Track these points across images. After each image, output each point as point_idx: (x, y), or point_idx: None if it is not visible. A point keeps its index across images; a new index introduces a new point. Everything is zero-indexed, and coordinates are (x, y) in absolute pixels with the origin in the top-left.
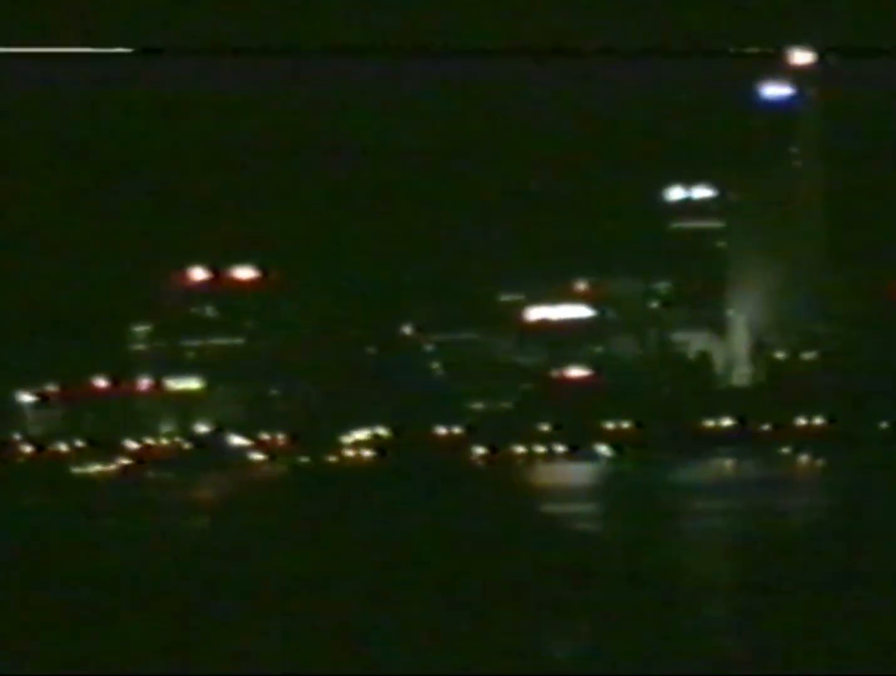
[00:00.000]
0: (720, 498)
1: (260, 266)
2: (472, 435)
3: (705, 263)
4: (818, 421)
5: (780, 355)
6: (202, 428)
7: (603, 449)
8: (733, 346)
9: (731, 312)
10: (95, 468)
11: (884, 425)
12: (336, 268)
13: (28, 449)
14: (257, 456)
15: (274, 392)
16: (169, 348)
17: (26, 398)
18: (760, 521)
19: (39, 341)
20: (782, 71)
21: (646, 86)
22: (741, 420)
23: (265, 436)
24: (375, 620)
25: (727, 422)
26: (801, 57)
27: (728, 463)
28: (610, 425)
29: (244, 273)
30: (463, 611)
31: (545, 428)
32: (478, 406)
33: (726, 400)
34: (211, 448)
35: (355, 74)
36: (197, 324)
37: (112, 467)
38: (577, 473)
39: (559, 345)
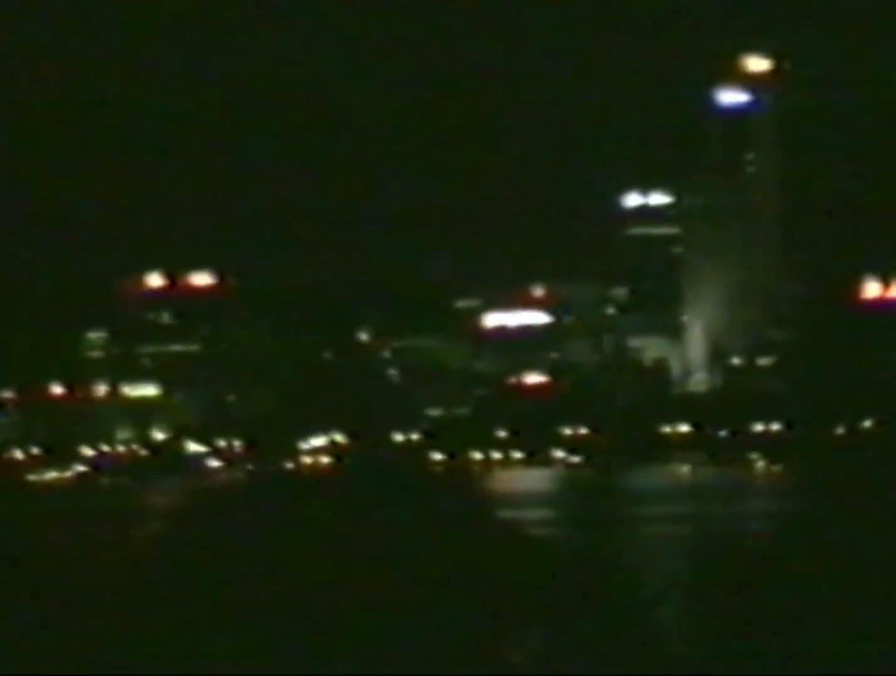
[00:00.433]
0: (674, 504)
1: (216, 272)
2: (430, 441)
3: (661, 269)
4: (775, 426)
5: (736, 361)
6: (159, 435)
7: (560, 455)
8: (690, 352)
9: (687, 318)
10: (51, 475)
11: (840, 430)
12: (292, 274)
13: None
14: (214, 463)
15: (231, 398)
16: (125, 354)
17: None
18: (714, 526)
19: None
20: (738, 77)
21: (602, 92)
22: (698, 425)
23: (222, 443)
24: (326, 623)
25: (684, 428)
26: (757, 64)
27: (685, 469)
28: (567, 431)
29: (200, 279)
30: (415, 616)
31: (502, 433)
32: (435, 412)
33: (683, 405)
34: (167, 455)
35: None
36: (153, 331)
37: (68, 474)
38: (534, 479)
39: (516, 351)
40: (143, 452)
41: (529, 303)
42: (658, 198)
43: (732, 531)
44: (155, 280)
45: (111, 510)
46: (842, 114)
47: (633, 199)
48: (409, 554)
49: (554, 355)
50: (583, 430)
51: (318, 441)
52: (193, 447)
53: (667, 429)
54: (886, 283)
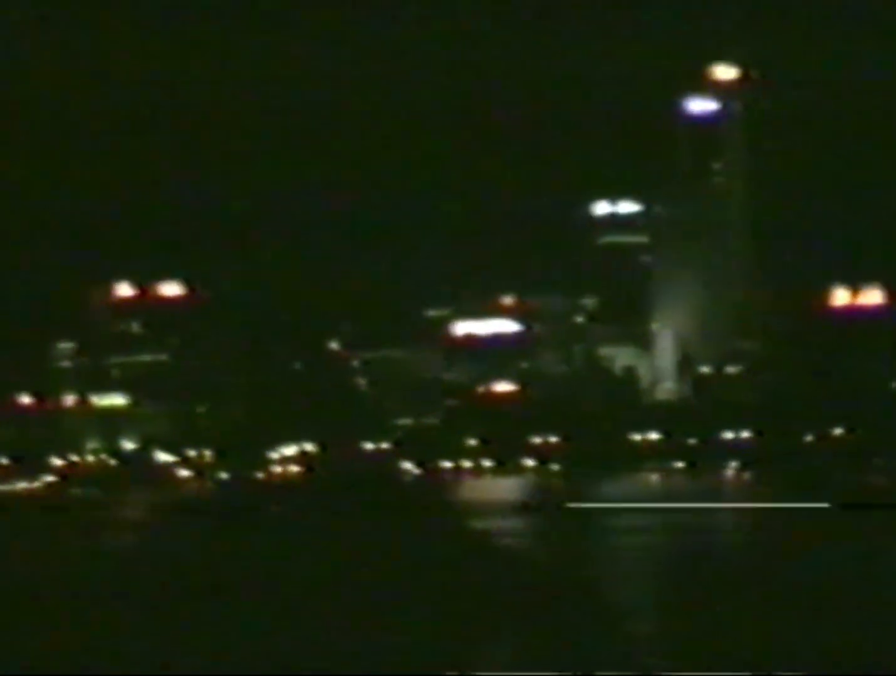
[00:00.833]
0: (641, 513)
1: (185, 282)
2: (400, 450)
3: (631, 278)
4: (744, 434)
5: (705, 369)
6: (128, 445)
7: (530, 463)
8: (659, 361)
9: (656, 327)
10: (20, 485)
11: (809, 438)
12: (262, 285)
13: None
14: (184, 473)
15: (200, 408)
16: (94, 365)
17: None
18: (684, 534)
19: None
20: (706, 86)
21: (571, 101)
22: (667, 434)
23: (191, 453)
24: (294, 630)
25: (654, 436)
26: (725, 72)
27: (654, 477)
28: (537, 439)
29: (170, 289)
30: (380, 619)
31: (473, 442)
32: (405, 421)
33: (652, 414)
34: (137, 464)
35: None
36: (122, 341)
37: (37, 484)
38: (504, 488)
39: (486, 361)
40: (113, 462)
41: (499, 312)
42: (627, 207)
43: (702, 537)
44: (124, 290)
45: (80, 520)
46: (810, 121)
47: (602, 208)
48: (378, 562)
49: (524, 364)
50: (553, 439)
51: (289, 450)
52: (163, 457)
53: (637, 437)
54: (854, 292)
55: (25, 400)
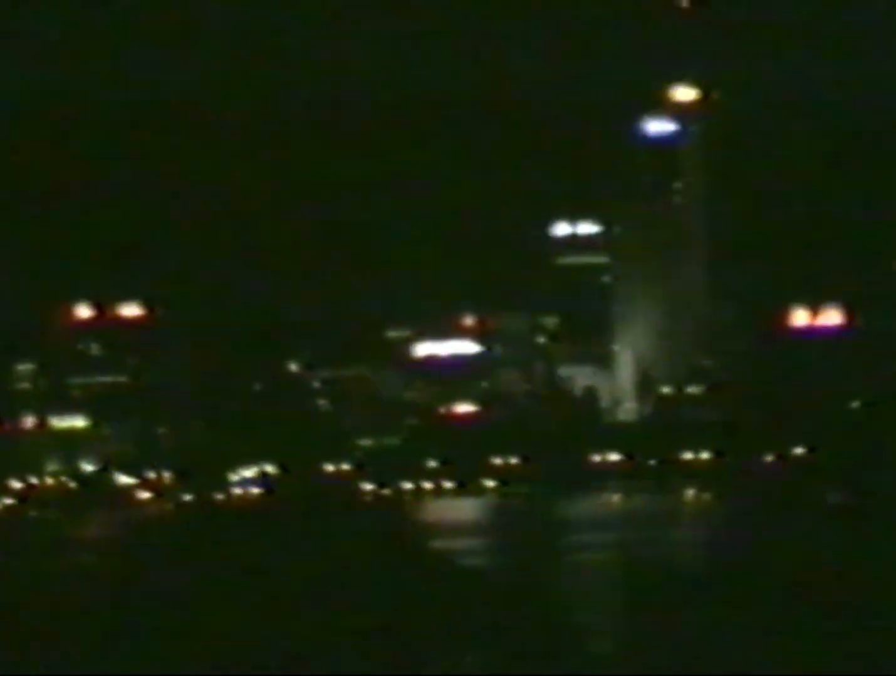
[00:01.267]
0: (604, 532)
1: (145, 302)
2: (361, 471)
3: (591, 298)
4: (705, 455)
5: (666, 389)
6: (88, 467)
7: (490, 485)
8: (620, 381)
9: (617, 347)
10: None
11: (769, 458)
12: (221, 305)
13: None
14: (144, 495)
15: (160, 429)
16: (53, 386)
17: None
18: (643, 554)
19: None
20: (666, 107)
21: (530, 121)
22: (628, 454)
23: (152, 475)
24: (252, 651)
25: (614, 457)
26: (685, 93)
27: (615, 498)
28: (497, 460)
29: (129, 309)
30: (340, 641)
31: (433, 463)
32: (366, 442)
33: (613, 434)
34: (97, 486)
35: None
36: (82, 362)
37: None
38: (464, 509)
39: (446, 381)
40: (73, 484)
41: (459, 333)
42: (587, 228)
43: (661, 558)
44: (83, 311)
45: (39, 542)
46: (769, 142)
47: (562, 229)
48: (337, 583)
49: (484, 384)
50: (513, 459)
51: (249, 472)
52: (123, 479)
53: (597, 458)
54: (815, 312)
55: None
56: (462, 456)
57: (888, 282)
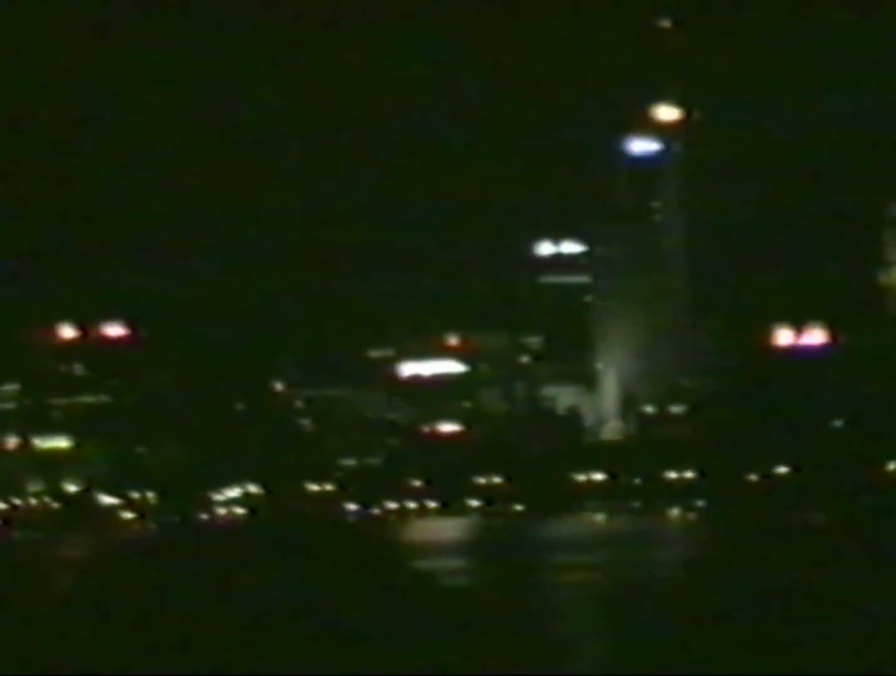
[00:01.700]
0: (587, 552)
1: (127, 323)
2: (344, 491)
3: (574, 318)
4: (688, 474)
5: (649, 409)
6: (71, 488)
7: (474, 504)
8: (603, 400)
9: (600, 366)
10: None
11: (753, 477)
12: (204, 325)
13: None
14: (127, 515)
15: (143, 450)
16: (36, 406)
17: None
18: (624, 575)
19: None
20: (648, 126)
21: (513, 140)
22: (612, 474)
23: (135, 495)
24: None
25: (598, 476)
26: (667, 113)
27: (599, 517)
28: (481, 480)
29: (112, 330)
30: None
31: (416, 483)
32: (349, 462)
33: (597, 453)
34: (80, 507)
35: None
36: (65, 382)
37: None
38: (448, 528)
39: (429, 400)
40: (55, 505)
41: (443, 352)
42: (570, 247)
43: (645, 578)
44: (66, 331)
45: (22, 563)
46: (750, 162)
47: (545, 248)
48: (319, 603)
49: (467, 404)
50: (497, 479)
51: (232, 492)
52: (106, 499)
53: (580, 478)
54: (797, 331)
55: None
56: (445, 475)
57: (871, 300)
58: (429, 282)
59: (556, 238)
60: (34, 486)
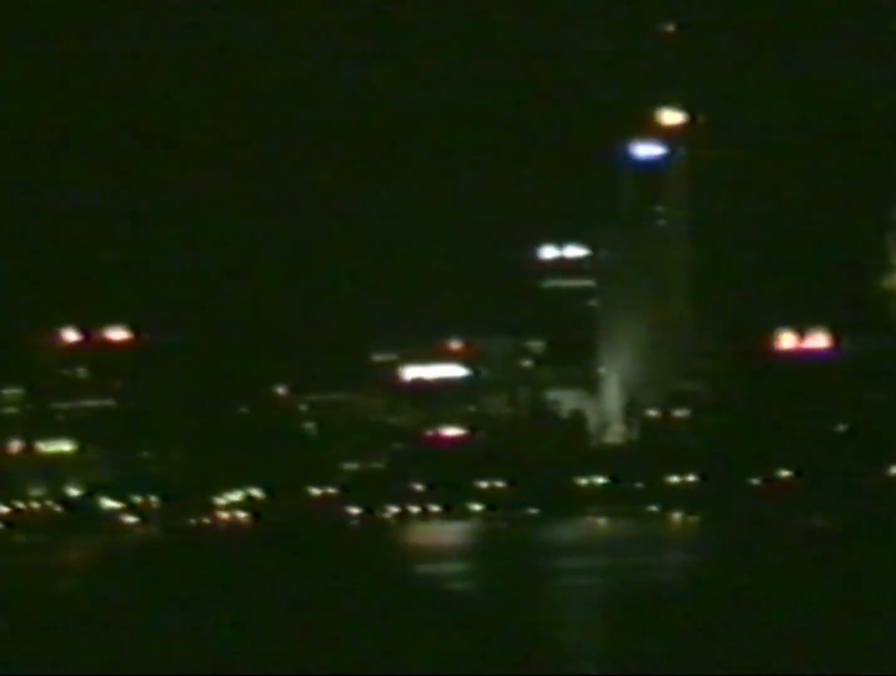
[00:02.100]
0: (588, 557)
1: (131, 327)
2: (347, 495)
3: (577, 322)
4: (690, 478)
5: (652, 413)
6: (74, 492)
7: (477, 508)
8: (606, 404)
9: (603, 370)
10: None
11: (755, 482)
12: (208, 328)
13: None
14: (130, 519)
15: (146, 454)
16: (39, 411)
17: None
18: (626, 579)
19: None
20: (653, 130)
21: (517, 144)
22: (614, 478)
23: (138, 499)
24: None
25: (601, 480)
26: (671, 117)
27: (601, 521)
28: (483, 484)
29: (116, 334)
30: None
31: (419, 487)
32: (352, 466)
33: (600, 458)
34: (83, 511)
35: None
36: (68, 387)
37: None
38: (451, 533)
39: (432, 404)
40: (58, 509)
41: (446, 356)
42: (573, 251)
43: (647, 582)
44: (70, 335)
45: (25, 567)
46: (755, 165)
47: (548, 252)
48: (322, 607)
49: (471, 408)
50: (500, 483)
51: (235, 496)
52: (109, 503)
53: (583, 482)
54: (800, 335)
55: None
56: (448, 479)
57: (873, 305)
58: (432, 287)
59: (560, 242)
60: (37, 490)
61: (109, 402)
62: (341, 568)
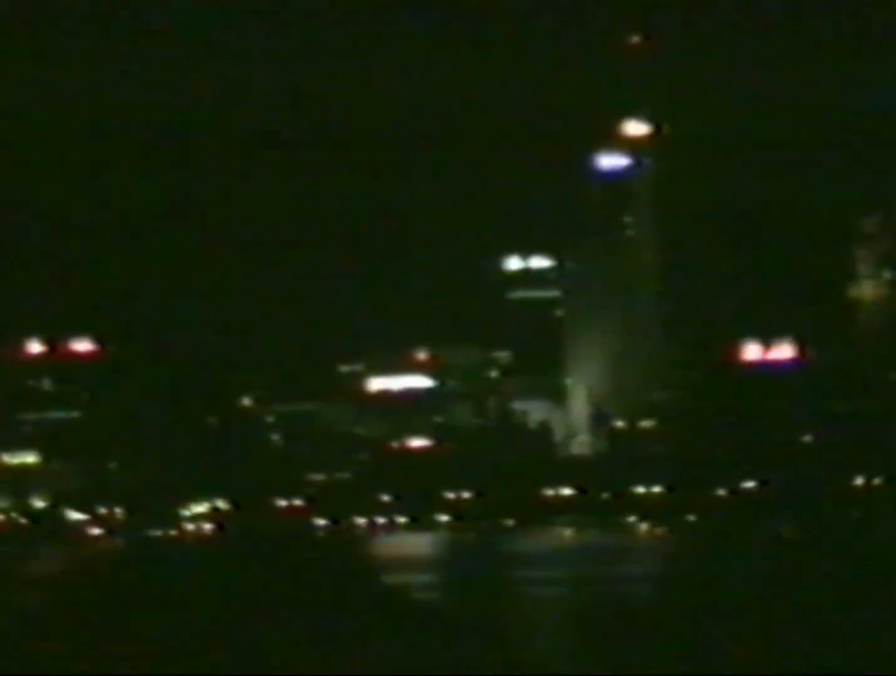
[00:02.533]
0: (555, 567)
1: (96, 338)
2: (313, 506)
3: (544, 333)
4: (657, 489)
5: (618, 423)
6: (39, 503)
7: (444, 519)
8: (573, 415)
9: (570, 381)
10: None
11: (721, 492)
12: (174, 339)
13: None
14: (95, 531)
15: (112, 465)
16: (4, 422)
17: None
18: (593, 589)
19: None
20: (618, 141)
21: (482, 154)
22: (581, 488)
23: (103, 510)
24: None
25: (567, 491)
26: (637, 127)
27: (568, 532)
28: (451, 495)
29: (81, 345)
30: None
31: (386, 498)
32: (318, 477)
33: (566, 468)
34: (48, 523)
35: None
36: (33, 398)
37: None
38: (417, 544)
39: (399, 415)
40: (23, 520)
41: (412, 367)
42: (540, 262)
43: (612, 592)
44: (35, 346)
45: None
46: (721, 177)
47: (514, 263)
48: (289, 618)
49: (437, 419)
50: (467, 494)
51: (201, 507)
52: (74, 515)
53: (550, 492)
54: (766, 345)
55: None
56: (415, 490)
57: (840, 315)
58: (398, 297)
59: (526, 252)
60: (2, 502)
61: (75, 414)
62: (307, 579)
